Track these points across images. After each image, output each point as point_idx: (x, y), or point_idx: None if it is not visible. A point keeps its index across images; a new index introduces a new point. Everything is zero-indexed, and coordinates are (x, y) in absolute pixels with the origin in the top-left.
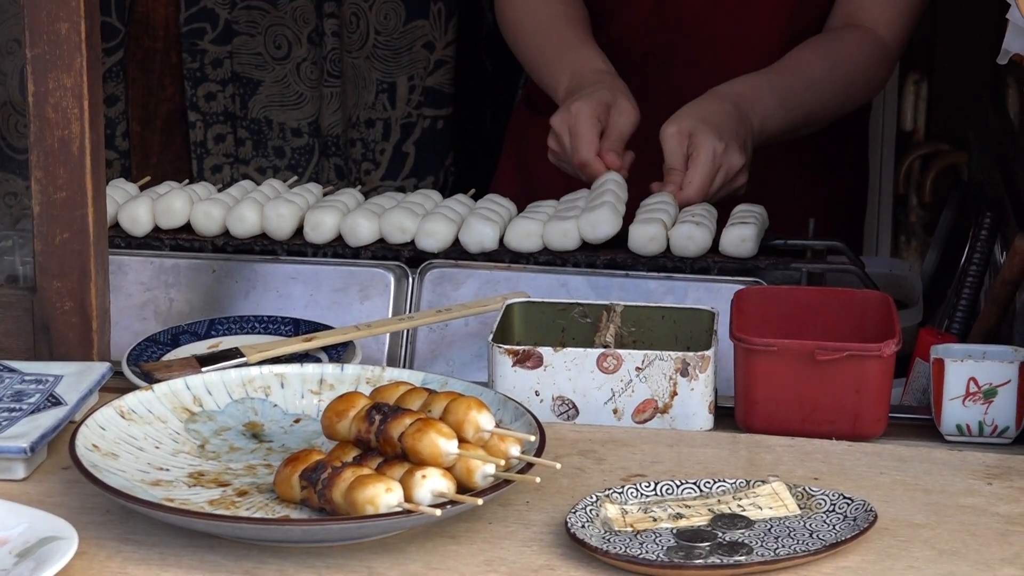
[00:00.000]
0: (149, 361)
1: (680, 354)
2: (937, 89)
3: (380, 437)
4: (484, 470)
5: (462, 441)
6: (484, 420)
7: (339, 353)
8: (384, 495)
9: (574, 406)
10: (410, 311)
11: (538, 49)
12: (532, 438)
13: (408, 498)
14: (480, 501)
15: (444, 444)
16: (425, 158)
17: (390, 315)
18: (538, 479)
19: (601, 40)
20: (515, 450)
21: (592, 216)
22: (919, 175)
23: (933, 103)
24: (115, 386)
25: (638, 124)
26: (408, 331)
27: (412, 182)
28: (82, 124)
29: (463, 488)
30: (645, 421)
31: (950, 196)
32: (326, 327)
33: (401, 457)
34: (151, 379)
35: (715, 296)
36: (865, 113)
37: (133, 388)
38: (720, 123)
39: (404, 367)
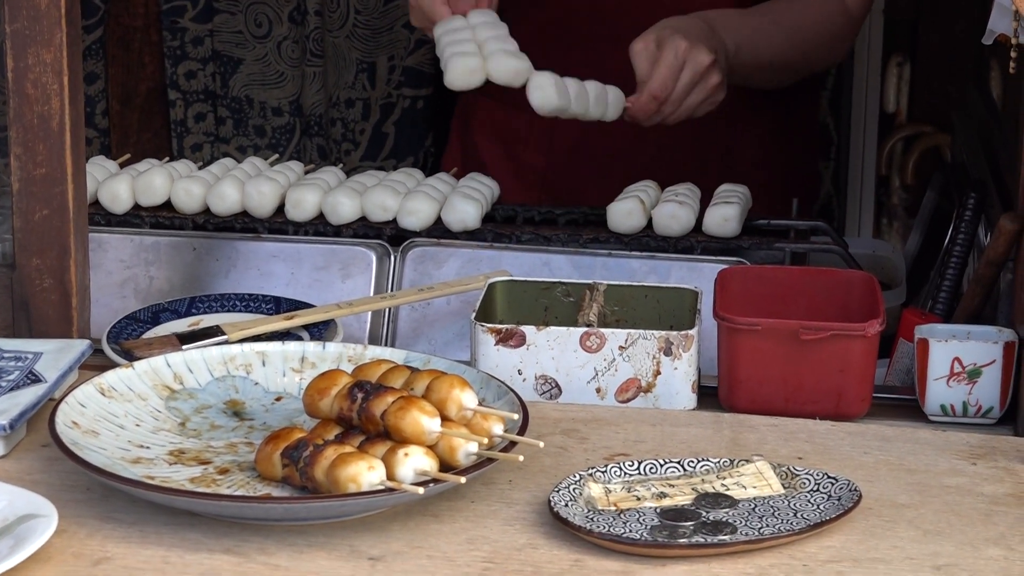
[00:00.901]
0: (129, 339)
1: (663, 333)
2: (920, 71)
3: (362, 415)
4: (467, 448)
5: (445, 419)
6: (467, 398)
7: (320, 332)
8: (366, 473)
9: (557, 385)
10: (392, 290)
11: None
12: (515, 416)
13: (391, 476)
14: (463, 479)
15: (427, 422)
16: (405, 138)
17: (372, 294)
18: (521, 457)
19: (541, 19)
20: (498, 429)
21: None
22: (901, 157)
23: (916, 85)
24: (95, 364)
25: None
26: (390, 310)
27: (392, 163)
28: (62, 100)
29: (446, 466)
30: (628, 400)
31: (933, 177)
32: (308, 305)
33: (383, 435)
34: (131, 357)
35: (698, 276)
36: (816, 83)
37: (113, 366)
38: (687, 29)
39: (386, 346)
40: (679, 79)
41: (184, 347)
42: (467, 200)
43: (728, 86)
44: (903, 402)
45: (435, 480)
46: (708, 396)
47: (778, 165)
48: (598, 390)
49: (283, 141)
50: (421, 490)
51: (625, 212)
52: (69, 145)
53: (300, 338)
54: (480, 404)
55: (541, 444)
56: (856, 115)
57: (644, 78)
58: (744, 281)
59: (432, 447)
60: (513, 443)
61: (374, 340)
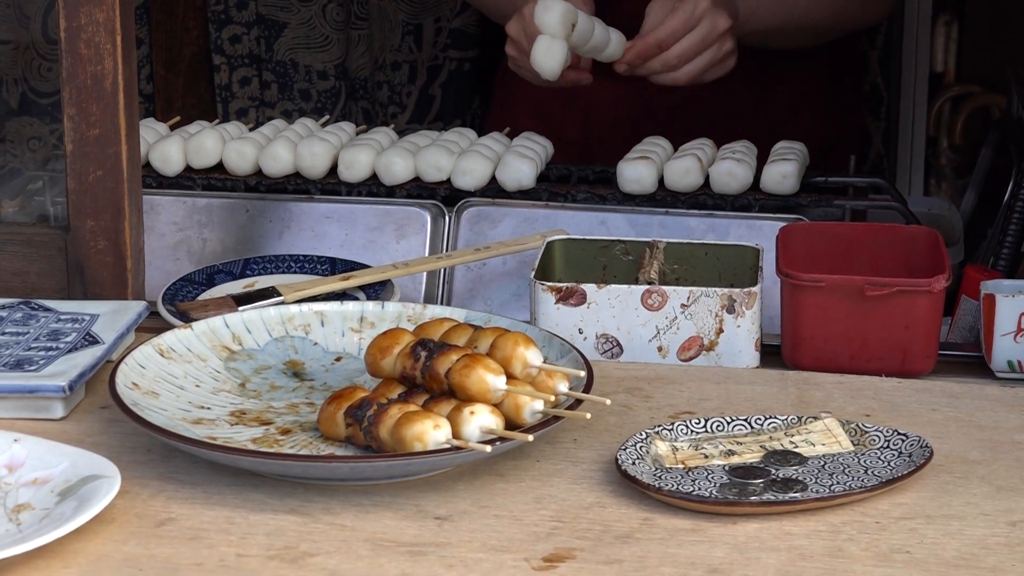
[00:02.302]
0: (184, 301)
1: (726, 290)
2: (968, 30)
3: (426, 373)
4: (533, 406)
5: (510, 377)
6: (532, 356)
7: (376, 292)
8: (432, 431)
9: (618, 344)
10: (447, 250)
11: None
12: (581, 373)
13: (456, 435)
14: (531, 437)
15: (492, 380)
16: (451, 101)
17: (426, 254)
18: (588, 415)
19: None
20: (563, 386)
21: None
22: (949, 117)
23: (964, 45)
24: (150, 326)
25: (593, 13)
26: (445, 270)
27: (439, 125)
28: (115, 59)
29: (511, 425)
30: (690, 359)
31: (989, 135)
32: (363, 266)
33: (448, 394)
34: (187, 318)
35: (757, 234)
36: (861, 42)
37: (168, 328)
38: None
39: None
40: (690, 34)
41: (240, 308)
42: (522, 159)
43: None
44: (968, 359)
45: (502, 438)
46: (769, 355)
47: (825, 125)
48: (660, 349)
49: (328, 105)
50: (488, 448)
51: (683, 170)
52: (123, 105)
53: (356, 299)
54: (544, 362)
55: (608, 401)
56: (906, 75)
57: (652, 26)
58: (806, 238)
59: (497, 405)
60: (579, 401)
61: (430, 301)
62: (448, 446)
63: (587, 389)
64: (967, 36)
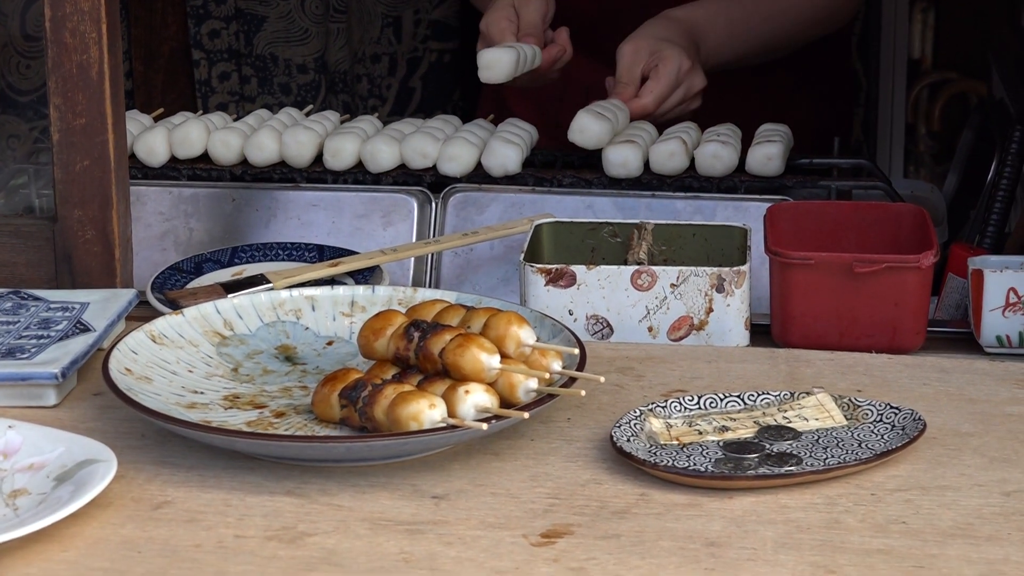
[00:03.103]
0: (173, 289)
1: (715, 270)
2: (944, 17)
3: (420, 354)
4: (527, 385)
5: (503, 356)
6: (525, 335)
7: (365, 278)
8: (428, 411)
9: (608, 324)
10: (434, 236)
11: None
12: (575, 351)
13: (451, 414)
14: (527, 415)
15: (486, 359)
16: (432, 93)
17: (414, 240)
18: (583, 392)
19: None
20: (556, 365)
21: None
22: (927, 104)
23: (940, 31)
24: (139, 315)
25: (547, 12)
26: (432, 256)
27: (420, 117)
28: (100, 48)
29: (505, 404)
30: (681, 339)
31: (970, 118)
32: (351, 253)
33: (442, 373)
34: (176, 306)
35: (743, 215)
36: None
37: (158, 316)
38: (683, 45)
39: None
40: (672, 96)
41: (229, 295)
42: (507, 144)
43: None
44: (956, 335)
45: (497, 416)
46: (758, 335)
47: (808, 109)
48: (650, 329)
49: (309, 98)
50: (485, 426)
51: (668, 153)
52: (109, 94)
53: (345, 285)
54: (536, 341)
55: (602, 379)
56: (885, 61)
57: (625, 80)
58: (794, 217)
59: (492, 384)
60: (572, 379)
61: (418, 286)
62: (444, 425)
63: (580, 368)
64: (944, 23)
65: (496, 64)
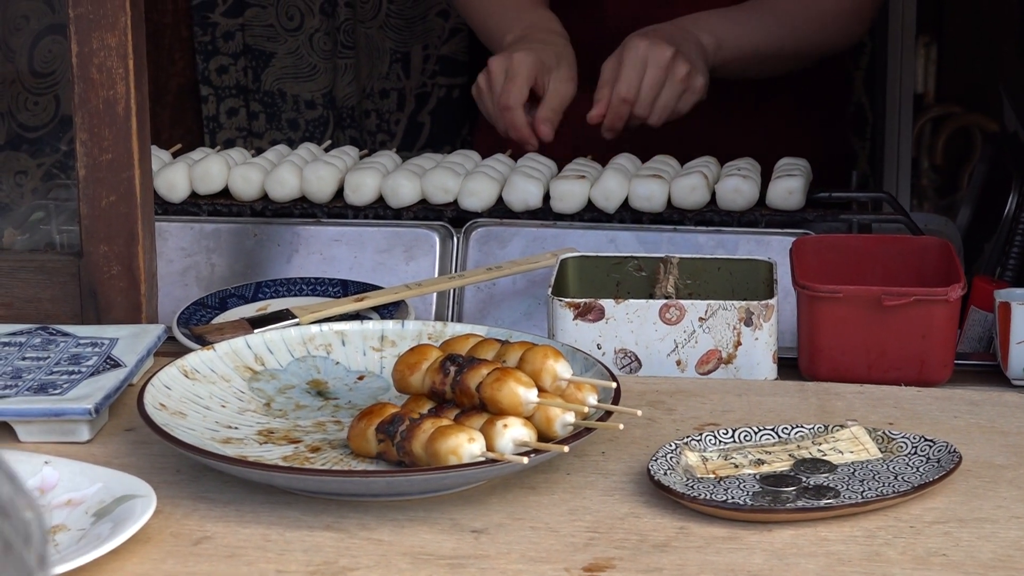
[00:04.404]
0: (199, 324)
1: (744, 303)
2: (947, 51)
3: (456, 388)
4: (564, 419)
5: (540, 390)
6: (562, 368)
7: (391, 313)
8: (467, 445)
9: (636, 358)
10: (456, 271)
11: (491, 4)
12: (612, 384)
13: (490, 448)
14: (566, 448)
15: (524, 393)
16: (441, 128)
17: (436, 275)
18: (621, 426)
19: (594, 16)
20: (592, 399)
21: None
22: (930, 138)
23: (943, 66)
24: (166, 350)
25: (573, 98)
26: (455, 291)
27: (427, 152)
28: (127, 84)
29: (542, 438)
30: (709, 372)
31: (983, 150)
32: (376, 287)
33: (479, 408)
34: (203, 342)
35: (765, 248)
36: (847, 62)
37: (185, 351)
38: (645, 32)
39: None
40: (644, 77)
41: (256, 331)
42: (528, 179)
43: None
44: (982, 368)
45: (536, 450)
46: (785, 367)
47: (813, 146)
48: (678, 362)
49: (317, 134)
50: (525, 460)
51: (689, 187)
52: (135, 130)
53: (371, 320)
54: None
55: (639, 412)
56: (891, 95)
57: (607, 82)
58: (819, 250)
59: (529, 418)
60: (608, 414)
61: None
62: (483, 459)
63: (615, 402)
64: (946, 57)
65: (568, 196)
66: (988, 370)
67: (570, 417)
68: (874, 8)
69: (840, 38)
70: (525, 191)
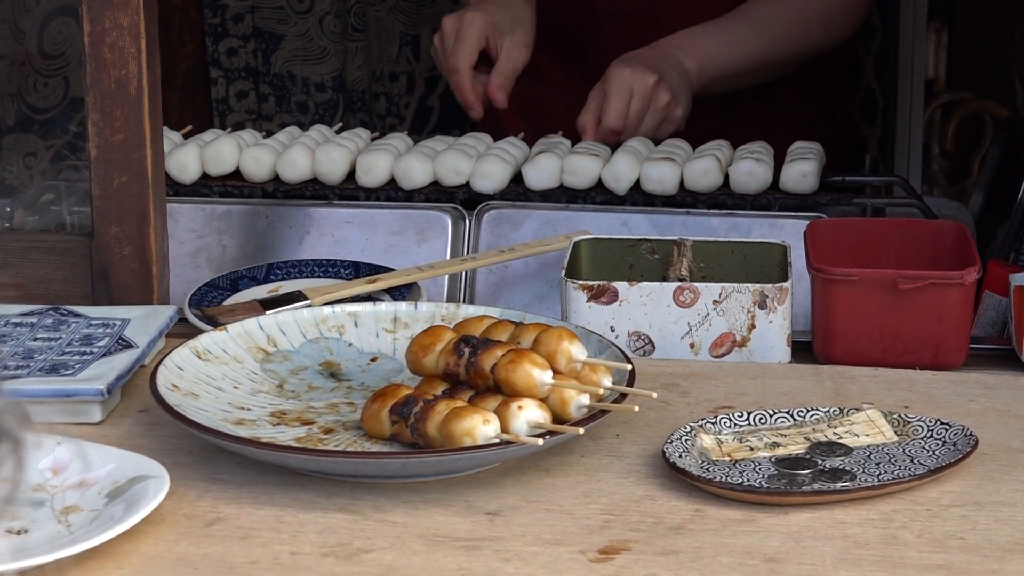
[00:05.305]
0: (210, 306)
1: (758, 286)
2: (957, 37)
3: (470, 370)
4: (579, 401)
5: (555, 372)
6: (576, 350)
7: (403, 295)
8: (482, 426)
9: (650, 341)
10: (468, 253)
11: None
12: (628, 366)
13: (504, 430)
14: (581, 430)
15: (539, 375)
16: (450, 111)
17: (448, 257)
18: (636, 408)
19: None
20: (606, 381)
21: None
22: (940, 124)
23: (953, 52)
24: (177, 332)
25: (526, 64)
26: (467, 274)
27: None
28: (139, 64)
29: (557, 419)
30: (723, 355)
31: (995, 135)
32: (387, 269)
33: (493, 389)
34: (215, 323)
35: (779, 232)
36: (857, 47)
37: (196, 333)
38: (629, 58)
39: None
40: (631, 106)
41: (268, 312)
42: (550, 156)
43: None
44: (997, 352)
45: (551, 432)
46: (799, 351)
47: (822, 130)
48: (692, 345)
49: (326, 117)
50: (540, 442)
51: (702, 170)
52: (147, 110)
53: (383, 302)
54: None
55: (654, 394)
56: (902, 81)
57: (591, 110)
58: (833, 234)
59: (544, 400)
60: (623, 395)
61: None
62: (498, 440)
63: (630, 384)
64: (957, 43)
65: (582, 171)
66: (1003, 354)
67: (585, 399)
68: (865, 8)
69: (827, 40)
70: (547, 169)
